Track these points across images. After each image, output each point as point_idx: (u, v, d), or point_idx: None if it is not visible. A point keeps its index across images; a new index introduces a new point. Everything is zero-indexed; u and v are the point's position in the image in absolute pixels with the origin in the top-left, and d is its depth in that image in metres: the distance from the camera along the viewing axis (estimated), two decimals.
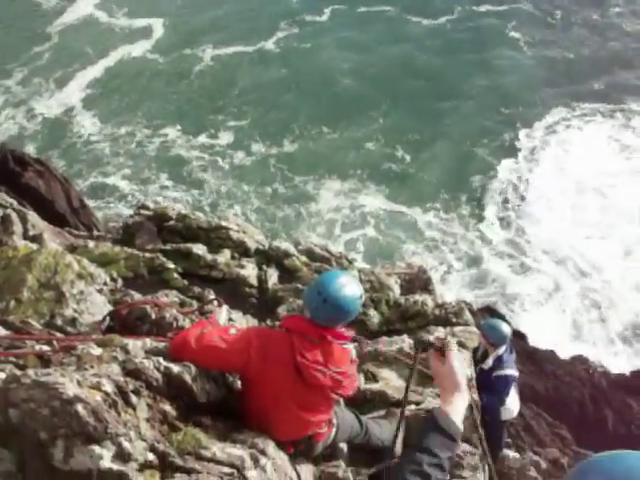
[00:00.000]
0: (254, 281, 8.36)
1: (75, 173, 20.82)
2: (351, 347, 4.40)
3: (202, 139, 22.46)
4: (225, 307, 4.72)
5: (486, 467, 5.63)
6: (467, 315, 7.75)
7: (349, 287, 4.13)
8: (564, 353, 14.05)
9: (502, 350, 7.94)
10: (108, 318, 4.69)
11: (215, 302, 4.75)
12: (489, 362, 7.94)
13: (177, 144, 22.25)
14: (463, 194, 20.90)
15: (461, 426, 2.41)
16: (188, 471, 3.30)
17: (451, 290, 15.92)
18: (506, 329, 8.33)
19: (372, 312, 7.75)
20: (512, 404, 8.26)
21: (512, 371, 8.06)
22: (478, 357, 7.91)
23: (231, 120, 23.20)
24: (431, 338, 2.87)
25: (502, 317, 14.31)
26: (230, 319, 6.10)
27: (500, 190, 21.18)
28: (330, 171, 21.34)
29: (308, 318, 4.12)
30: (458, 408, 2.46)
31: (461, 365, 2.69)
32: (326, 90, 24.62)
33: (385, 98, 24.24)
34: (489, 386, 7.96)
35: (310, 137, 22.73)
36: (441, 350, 2.84)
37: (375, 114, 23.61)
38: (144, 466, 3.25)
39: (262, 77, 25.37)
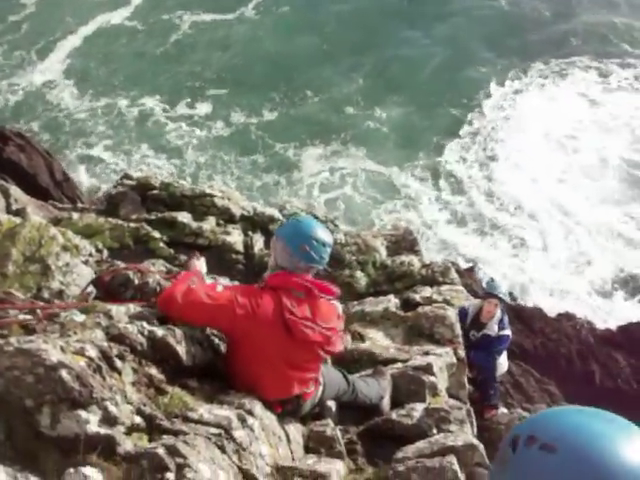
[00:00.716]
0: (240, 247, 8.34)
1: (57, 145, 20.58)
2: (337, 303, 4.42)
3: (181, 108, 22.26)
4: (203, 259, 4.75)
5: (473, 420, 5.71)
6: (453, 274, 7.79)
7: (324, 228, 4.45)
8: (550, 310, 14.17)
9: (500, 312, 8.07)
10: (91, 286, 4.67)
11: (193, 258, 4.73)
12: (494, 327, 8.06)
13: (156, 114, 22.03)
14: (437, 153, 20.93)
15: None
16: (175, 433, 3.31)
17: (429, 250, 15.96)
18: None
19: (359, 274, 7.77)
20: (504, 361, 8.44)
21: (509, 331, 8.22)
22: (468, 323, 8.00)
23: (210, 89, 22.98)
24: None
25: (491, 278, 14.39)
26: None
27: (473, 148, 21.17)
28: (311, 136, 21.28)
29: (289, 271, 4.14)
30: None
31: None
32: (306, 55, 24.39)
33: (365, 60, 24.08)
34: (488, 347, 8.09)
35: (291, 103, 22.58)
36: None
37: (355, 75, 23.49)
38: (131, 429, 3.27)
39: (241, 44, 25.09)
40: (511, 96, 23.09)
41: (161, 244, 8.23)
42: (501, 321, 8.13)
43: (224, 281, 6.18)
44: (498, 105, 22.71)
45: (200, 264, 4.69)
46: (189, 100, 22.43)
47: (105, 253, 7.53)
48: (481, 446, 4.36)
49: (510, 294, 13.58)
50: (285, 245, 4.20)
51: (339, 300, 7.15)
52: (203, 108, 22.16)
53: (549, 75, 24.00)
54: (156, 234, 8.28)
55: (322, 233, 4.24)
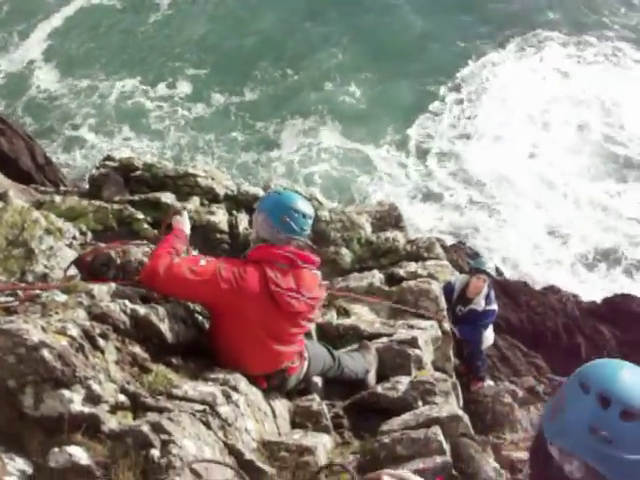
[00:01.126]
0: (225, 227, 8.31)
1: (41, 129, 20.47)
2: (319, 272, 4.43)
3: (162, 89, 22.11)
4: (185, 213, 4.72)
5: (459, 393, 5.76)
6: (438, 249, 7.80)
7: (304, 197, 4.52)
8: (535, 284, 14.27)
9: (487, 287, 8.13)
10: (74, 267, 4.64)
11: (176, 215, 4.67)
12: (481, 302, 8.12)
13: (138, 95, 21.87)
14: (413, 128, 20.92)
15: None
16: (160, 410, 3.31)
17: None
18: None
19: (344, 251, 7.77)
20: (490, 334, 8.51)
21: (495, 305, 8.29)
22: (455, 298, 8.04)
23: (190, 68, 22.83)
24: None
25: (476, 253, 14.44)
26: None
27: (450, 122, 21.18)
28: (290, 113, 21.27)
29: (271, 243, 4.14)
30: None
31: None
32: (286, 32, 24.24)
33: (344, 34, 23.95)
34: (474, 321, 8.15)
35: (271, 81, 22.49)
36: None
37: (335, 50, 23.39)
38: (115, 407, 3.27)
39: (221, 23, 24.87)
40: (489, 69, 23.06)
41: (145, 225, 8.18)
42: (488, 296, 8.19)
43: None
44: (475, 79, 22.70)
45: (183, 221, 4.63)
46: (170, 80, 22.30)
47: (89, 235, 7.49)
48: (466, 417, 4.39)
49: (496, 269, 13.63)
50: (266, 217, 4.21)
51: (323, 274, 7.19)
52: (184, 88, 22.06)
53: (526, 48, 23.99)
54: (140, 215, 8.23)
55: (302, 205, 4.25)
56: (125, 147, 19.48)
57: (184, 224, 4.58)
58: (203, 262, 4.05)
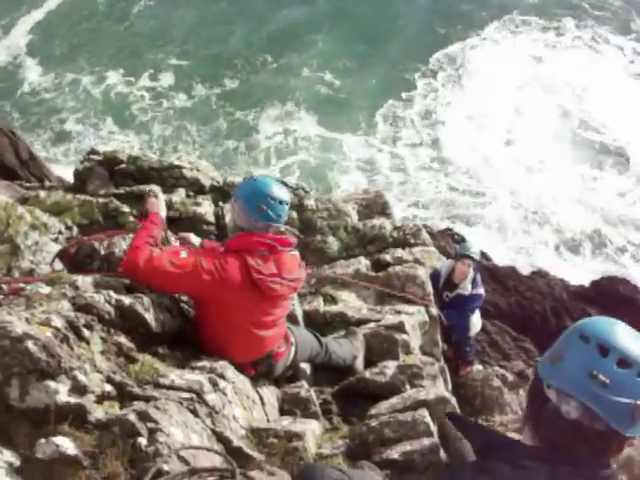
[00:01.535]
0: (211, 218, 8.29)
1: (26, 124, 20.41)
2: (297, 252, 4.44)
3: (145, 81, 22.10)
4: (160, 196, 4.69)
5: (447, 377, 5.79)
6: (424, 235, 7.81)
7: (280, 183, 4.46)
8: (521, 268, 14.33)
9: (473, 271, 8.16)
10: (58, 261, 4.63)
11: (150, 198, 4.63)
12: (468, 287, 8.15)
13: (121, 87, 21.84)
14: (390, 117, 21.00)
15: None
16: (147, 399, 3.32)
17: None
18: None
19: (331, 239, 7.76)
20: (477, 320, 8.54)
21: (482, 289, 8.33)
22: (442, 284, 8.07)
23: (172, 59, 22.81)
24: None
25: (463, 237, 14.47)
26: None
27: (426, 110, 21.23)
28: (268, 101, 21.37)
29: (249, 231, 4.13)
30: None
31: None
32: (265, 21, 24.21)
33: (321, 24, 23.95)
34: (461, 306, 8.18)
35: (250, 69, 22.51)
36: None
37: (314, 38, 23.39)
38: (102, 398, 3.27)
39: (202, 14, 24.82)
40: (466, 54, 23.19)
41: (131, 218, 8.15)
42: (474, 280, 8.23)
43: (194, 238, 6.15)
44: (451, 64, 22.78)
45: (158, 203, 4.60)
46: (153, 72, 22.29)
47: (75, 230, 7.47)
48: (453, 399, 4.42)
49: (483, 254, 13.65)
50: (243, 205, 4.18)
51: (311, 263, 7.20)
52: (167, 79, 22.08)
53: (503, 33, 24.04)
54: (125, 208, 8.19)
55: (278, 191, 4.22)
56: (111, 140, 19.45)
57: (160, 207, 4.55)
58: (184, 254, 4.04)
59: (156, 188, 4.59)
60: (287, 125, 20.41)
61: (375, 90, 21.72)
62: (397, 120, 20.88)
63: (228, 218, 4.75)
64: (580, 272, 15.91)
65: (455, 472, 1.97)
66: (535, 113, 21.09)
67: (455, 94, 21.74)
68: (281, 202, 4.19)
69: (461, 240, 13.77)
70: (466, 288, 8.15)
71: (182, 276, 3.93)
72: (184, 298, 4.41)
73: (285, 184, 9.13)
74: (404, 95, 21.64)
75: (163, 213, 4.56)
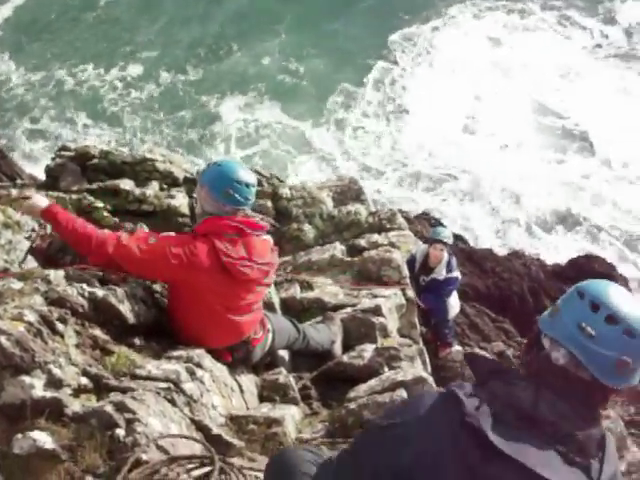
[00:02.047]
0: (186, 210, 8.26)
1: (0, 122, 20.25)
2: (269, 237, 4.43)
3: (115, 73, 21.94)
4: (33, 191, 4.60)
5: (426, 359, 5.82)
6: (400, 220, 7.83)
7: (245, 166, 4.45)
8: (497, 250, 14.42)
9: (447, 255, 8.20)
10: (30, 256, 4.60)
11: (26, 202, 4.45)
12: (442, 271, 8.19)
13: (92, 81, 21.65)
14: (351, 103, 20.87)
15: None
16: (123, 390, 3.31)
17: None
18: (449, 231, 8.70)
19: (306, 227, 7.76)
20: (455, 302, 8.60)
21: (458, 273, 8.37)
22: (417, 269, 8.10)
23: (141, 51, 22.66)
24: None
25: (439, 221, 14.51)
26: None
27: (387, 96, 21.15)
28: (231, 89, 21.29)
29: (217, 215, 4.13)
30: None
31: None
32: (229, 8, 24.09)
33: (285, 11, 23.82)
34: (436, 290, 8.23)
35: (214, 58, 22.43)
36: None
37: (278, 27, 23.29)
38: (78, 391, 3.26)
39: (168, 4, 24.66)
40: (427, 38, 22.88)
41: (105, 213, 8.10)
42: (449, 264, 8.27)
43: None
44: (413, 48, 22.56)
45: (39, 198, 4.32)
46: (122, 64, 22.13)
47: (48, 227, 7.41)
48: (430, 378, 4.45)
49: (459, 237, 13.73)
50: (209, 191, 4.16)
51: (287, 252, 7.21)
52: (135, 70, 21.94)
53: (465, 16, 23.82)
54: (99, 204, 8.14)
55: (244, 174, 4.20)
56: (87, 134, 19.33)
57: (40, 200, 4.28)
58: (152, 240, 4.03)
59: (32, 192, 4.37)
60: (250, 113, 20.38)
61: (337, 76, 21.63)
62: (358, 106, 20.78)
63: (196, 205, 4.73)
64: (554, 250, 15.99)
65: (457, 385, 2.02)
66: (497, 97, 20.97)
67: (416, 78, 21.62)
68: (247, 185, 4.17)
69: (437, 224, 13.82)
70: (440, 273, 8.20)
71: (151, 262, 3.94)
72: (158, 289, 4.40)
73: (259, 173, 9.15)
74: (365, 80, 21.56)
75: (45, 201, 4.31)
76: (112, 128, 20.11)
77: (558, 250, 16.19)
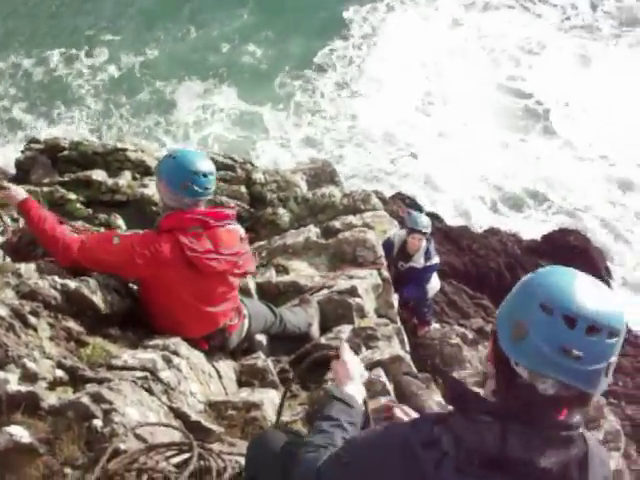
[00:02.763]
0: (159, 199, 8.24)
1: None
2: (237, 226, 4.40)
3: (81, 58, 21.62)
4: (10, 184, 4.58)
5: (404, 338, 5.86)
6: (374, 200, 7.83)
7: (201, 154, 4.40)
8: (475, 226, 14.52)
9: (425, 242, 8.18)
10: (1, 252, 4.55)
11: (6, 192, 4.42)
12: (420, 260, 8.17)
13: (61, 68, 21.35)
14: (308, 88, 20.70)
15: (357, 397, 2.52)
16: (100, 381, 3.30)
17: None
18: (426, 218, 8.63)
19: (281, 211, 7.76)
20: (435, 282, 8.61)
21: (436, 258, 8.36)
22: (395, 253, 8.08)
23: (106, 34, 22.36)
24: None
25: (416, 203, 14.55)
26: None
27: (344, 78, 21.02)
28: (188, 72, 21.04)
29: (180, 209, 4.09)
30: (351, 389, 2.56)
31: (353, 360, 2.78)
32: None
33: None
34: (417, 280, 8.23)
35: (171, 40, 22.16)
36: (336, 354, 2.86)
37: (238, 11, 23.06)
38: (54, 383, 3.25)
39: None
40: (385, 18, 22.62)
41: (78, 205, 8.05)
42: (427, 252, 8.23)
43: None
44: (370, 30, 22.27)
45: (16, 190, 4.34)
46: (87, 48, 21.84)
47: (21, 221, 7.35)
48: (407, 356, 4.49)
49: (434, 215, 13.75)
50: (167, 185, 4.09)
51: (262, 236, 7.21)
52: (100, 55, 21.63)
53: None
54: (72, 195, 8.09)
55: (200, 164, 4.10)
56: (61, 122, 19.11)
57: (18, 192, 4.29)
58: (116, 240, 4.00)
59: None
60: (208, 99, 20.19)
61: (295, 60, 21.38)
62: (316, 88, 20.65)
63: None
64: (523, 227, 15.94)
65: (419, 421, 1.93)
66: (458, 77, 20.81)
67: (372, 58, 21.46)
68: (205, 174, 4.08)
69: (413, 204, 13.85)
70: (419, 262, 8.15)
71: (116, 263, 3.95)
72: (131, 278, 4.38)
73: (233, 159, 9.11)
74: (322, 62, 21.36)
75: (24, 193, 4.31)
76: (81, 115, 19.86)
77: (522, 228, 16.06)
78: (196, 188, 4.05)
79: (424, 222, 8.22)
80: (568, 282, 1.80)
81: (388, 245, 7.68)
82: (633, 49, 21.95)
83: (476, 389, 2.00)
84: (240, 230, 4.40)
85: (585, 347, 1.69)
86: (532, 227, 15.97)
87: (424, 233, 8.08)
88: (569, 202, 17.21)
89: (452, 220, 15.39)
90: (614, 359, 1.75)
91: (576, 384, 1.71)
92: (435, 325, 8.55)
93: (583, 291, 1.77)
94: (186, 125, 19.36)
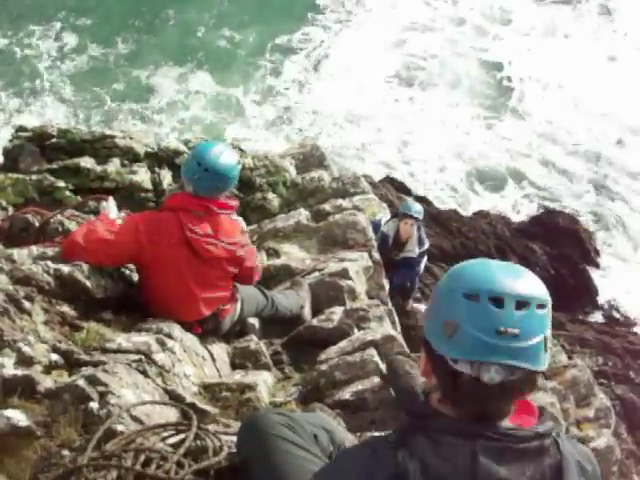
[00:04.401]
0: (149, 185, 8.20)
1: None
2: (240, 219, 4.46)
3: (54, 43, 21.29)
4: (111, 199, 4.65)
5: (396, 319, 5.91)
6: (364, 184, 7.83)
7: (226, 154, 4.25)
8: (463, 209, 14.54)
9: (416, 229, 8.21)
10: None
11: (102, 202, 4.65)
12: (415, 250, 8.20)
13: (35, 55, 21.02)
14: (282, 70, 20.61)
15: None
16: (95, 364, 3.32)
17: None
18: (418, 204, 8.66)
19: (271, 195, 7.76)
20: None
21: (427, 243, 8.40)
22: (390, 244, 8.08)
23: (77, 19, 22.05)
24: None
25: (404, 186, 14.55)
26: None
27: (314, 60, 20.88)
28: (165, 58, 20.85)
29: (191, 193, 4.14)
30: None
31: None
32: None
33: None
34: (411, 266, 8.27)
35: (148, 28, 21.94)
36: None
37: None
38: (49, 367, 3.27)
39: None
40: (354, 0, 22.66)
41: (67, 192, 8.02)
42: (420, 239, 8.28)
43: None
44: (342, 15, 22.25)
45: (108, 206, 4.61)
46: (60, 33, 21.53)
47: (10, 210, 7.35)
48: (399, 336, 4.53)
49: (423, 199, 13.78)
50: (186, 185, 4.23)
51: (253, 221, 7.21)
52: (70, 40, 21.33)
53: None
54: (61, 183, 8.06)
55: (217, 159, 4.13)
56: (42, 107, 18.94)
57: (109, 209, 4.52)
58: (119, 222, 4.11)
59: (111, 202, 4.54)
60: (184, 83, 20.04)
61: (270, 43, 21.24)
62: (289, 72, 20.48)
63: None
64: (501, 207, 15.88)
65: (378, 447, 1.78)
66: (425, 54, 20.70)
67: (345, 40, 21.20)
68: (212, 170, 4.14)
69: (402, 188, 13.88)
70: (414, 251, 8.21)
71: (119, 242, 3.97)
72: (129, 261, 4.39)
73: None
74: (296, 46, 21.16)
75: (114, 216, 4.49)
76: (53, 102, 19.63)
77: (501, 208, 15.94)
78: (204, 184, 4.12)
79: (417, 208, 8.30)
80: (484, 267, 1.81)
81: (375, 226, 7.68)
82: (602, 17, 21.94)
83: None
84: (242, 223, 4.47)
85: (518, 323, 1.68)
86: (509, 206, 15.95)
87: (416, 218, 8.13)
88: (544, 183, 17.10)
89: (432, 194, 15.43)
90: (549, 332, 1.73)
91: (519, 363, 1.67)
92: (424, 306, 8.58)
93: (500, 272, 1.77)
94: (163, 109, 19.22)
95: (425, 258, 8.70)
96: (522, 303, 1.69)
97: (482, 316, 1.70)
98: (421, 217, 8.26)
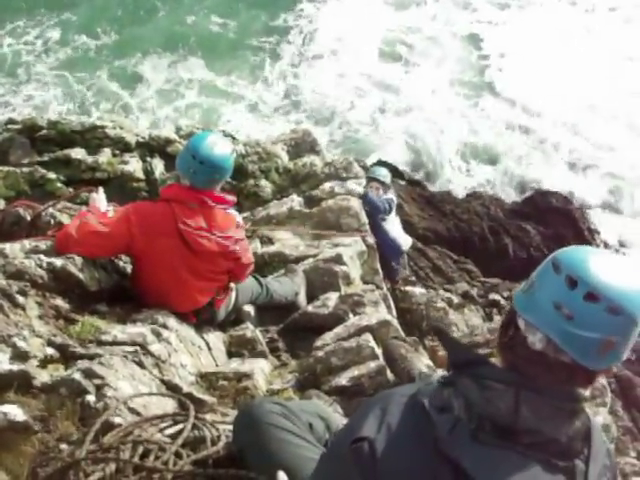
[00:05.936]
0: (140, 174, 8.19)
1: None
2: (235, 213, 4.43)
3: (39, 37, 21.09)
4: (101, 190, 4.61)
5: (391, 303, 5.92)
6: (356, 168, 7.83)
7: (220, 145, 4.22)
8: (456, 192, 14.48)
9: (382, 191, 8.13)
10: None
11: (92, 193, 4.59)
12: (395, 230, 8.11)
13: (21, 48, 20.83)
14: (276, 55, 20.44)
15: None
16: (91, 357, 3.32)
17: None
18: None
19: (263, 182, 7.75)
20: (405, 240, 8.52)
21: (392, 195, 8.32)
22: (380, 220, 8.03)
23: (63, 13, 21.83)
24: None
25: (397, 169, 14.47)
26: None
27: (306, 46, 20.71)
28: (154, 45, 20.69)
29: (186, 185, 4.12)
30: None
31: None
32: None
33: None
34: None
35: (136, 19, 21.74)
36: None
37: None
38: (45, 361, 3.26)
39: None
40: None
41: (59, 184, 8.02)
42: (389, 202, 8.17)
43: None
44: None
45: (98, 198, 4.57)
46: (44, 27, 21.32)
47: (2, 203, 7.33)
48: (395, 321, 4.54)
49: (417, 182, 13.73)
50: (182, 177, 4.23)
51: (245, 208, 7.20)
52: (54, 33, 21.15)
53: None
54: (52, 175, 8.06)
55: (211, 150, 4.11)
56: (31, 99, 18.79)
57: (99, 201, 4.44)
58: (112, 213, 4.10)
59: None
60: (175, 74, 19.90)
61: (262, 28, 21.11)
62: (281, 55, 20.37)
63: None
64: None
65: (425, 391, 1.82)
66: (415, 35, 20.62)
67: (334, 25, 21.06)
68: (206, 163, 4.11)
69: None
70: (393, 230, 8.12)
71: (112, 234, 3.95)
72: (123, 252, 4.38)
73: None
74: (289, 30, 20.94)
75: (103, 208, 4.39)
76: (41, 93, 19.49)
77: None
78: (200, 177, 4.10)
79: (382, 171, 8.31)
80: (587, 254, 1.80)
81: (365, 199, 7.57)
82: None
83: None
84: (238, 217, 4.43)
85: (578, 310, 1.69)
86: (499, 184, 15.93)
87: (382, 182, 8.08)
88: (531, 160, 17.01)
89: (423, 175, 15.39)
90: (616, 339, 1.70)
91: (563, 345, 1.69)
92: (420, 290, 8.59)
93: (599, 262, 1.75)
94: (155, 98, 19.10)
95: (401, 229, 8.50)
96: (593, 296, 1.68)
97: (552, 286, 1.75)
98: (387, 180, 8.22)
